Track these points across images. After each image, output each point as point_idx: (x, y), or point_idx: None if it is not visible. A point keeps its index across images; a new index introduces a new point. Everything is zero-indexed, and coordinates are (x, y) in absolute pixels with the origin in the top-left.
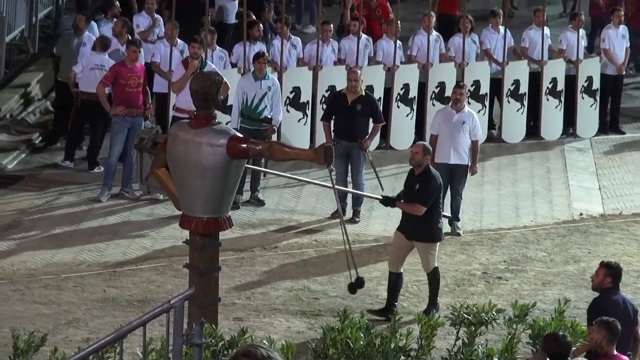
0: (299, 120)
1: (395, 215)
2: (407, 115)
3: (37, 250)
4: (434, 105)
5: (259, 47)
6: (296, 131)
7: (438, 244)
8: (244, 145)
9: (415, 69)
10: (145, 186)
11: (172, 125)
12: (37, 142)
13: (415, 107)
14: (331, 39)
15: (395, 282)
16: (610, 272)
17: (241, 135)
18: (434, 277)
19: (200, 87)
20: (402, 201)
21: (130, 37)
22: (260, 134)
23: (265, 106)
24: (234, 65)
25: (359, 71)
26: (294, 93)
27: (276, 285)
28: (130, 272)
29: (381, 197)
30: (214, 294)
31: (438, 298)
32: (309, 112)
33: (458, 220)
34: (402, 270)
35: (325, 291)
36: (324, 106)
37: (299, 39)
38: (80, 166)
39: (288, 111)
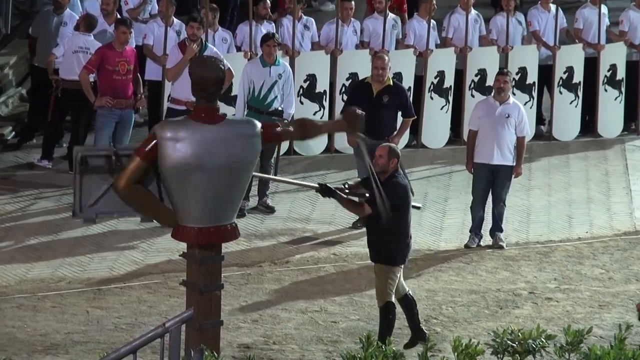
0: (314, 113)
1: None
2: (441, 108)
3: (9, 264)
4: (473, 96)
5: (267, 27)
6: None
7: (398, 268)
8: (278, 130)
9: (451, 54)
10: (89, 215)
11: (160, 127)
12: (9, 138)
13: (451, 98)
14: (352, 19)
15: (402, 308)
16: None
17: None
18: (384, 314)
19: (215, 75)
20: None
21: (119, 16)
22: None
23: (276, 97)
24: (238, 48)
25: (386, 57)
26: (308, 82)
27: (288, 307)
28: (118, 291)
29: (317, 186)
30: (216, 316)
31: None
32: (326, 104)
33: (501, 231)
34: (407, 292)
35: (345, 313)
36: (344, 97)
37: (312, 19)
38: (59, 166)
39: (302, 102)
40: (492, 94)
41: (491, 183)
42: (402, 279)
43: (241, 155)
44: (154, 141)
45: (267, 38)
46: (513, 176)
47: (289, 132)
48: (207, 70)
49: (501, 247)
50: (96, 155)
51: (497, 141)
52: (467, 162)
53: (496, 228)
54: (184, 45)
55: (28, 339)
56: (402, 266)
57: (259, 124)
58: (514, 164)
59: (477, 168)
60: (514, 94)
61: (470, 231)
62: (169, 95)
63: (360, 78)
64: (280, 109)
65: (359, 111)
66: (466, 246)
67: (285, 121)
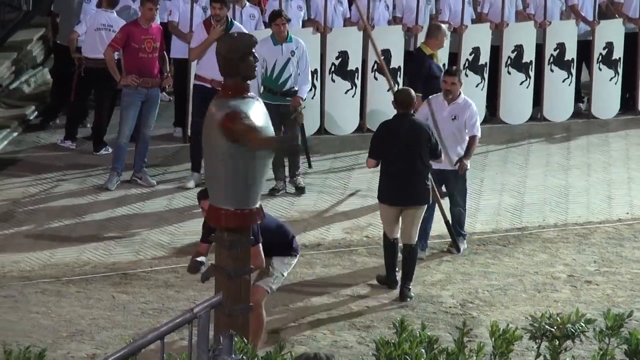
0: (346, 92)
1: None
2: (477, 86)
3: (33, 248)
4: (509, 73)
5: (297, 2)
6: (343, 105)
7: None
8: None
9: (487, 30)
10: None
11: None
12: (32, 118)
13: (487, 75)
14: None
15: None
16: None
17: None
18: (415, 253)
19: (228, 51)
20: None
21: None
22: (285, 111)
23: (290, 75)
24: (267, 25)
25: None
26: (340, 59)
27: (319, 291)
28: (144, 275)
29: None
30: (246, 302)
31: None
32: (358, 82)
33: (462, 235)
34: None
35: (378, 298)
36: (376, 75)
37: None
38: (83, 147)
39: (333, 80)
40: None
41: (444, 185)
42: None
43: (220, 138)
44: None
45: (275, 16)
46: (461, 173)
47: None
48: (221, 46)
49: (456, 251)
50: None
51: (442, 143)
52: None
53: (457, 233)
54: (209, 24)
55: (52, 324)
56: None
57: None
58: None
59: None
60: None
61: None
62: (195, 73)
63: (392, 55)
64: (295, 88)
65: (291, 138)
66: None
67: (301, 100)
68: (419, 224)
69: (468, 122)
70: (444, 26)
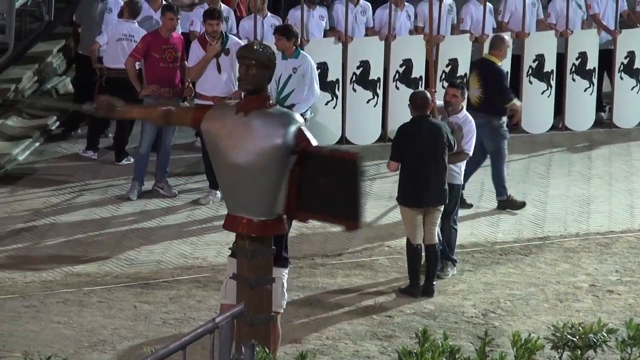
0: (367, 102)
1: None
2: None
3: (55, 259)
4: (530, 82)
5: (319, 12)
6: (364, 114)
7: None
8: (306, 139)
9: (508, 39)
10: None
11: (217, 105)
12: (53, 129)
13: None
14: (406, 3)
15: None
16: None
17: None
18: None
19: (270, 61)
20: None
21: (165, 2)
22: None
23: (292, 91)
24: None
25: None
26: (361, 68)
27: (341, 301)
28: (166, 285)
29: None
30: (267, 311)
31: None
32: (380, 92)
33: (451, 260)
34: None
35: (400, 307)
36: (398, 85)
37: (369, 3)
38: (105, 157)
39: (355, 90)
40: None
41: None
42: None
43: (264, 149)
44: (207, 108)
45: (275, 31)
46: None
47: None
48: (259, 57)
49: (445, 276)
50: None
51: None
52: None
53: (445, 255)
54: (204, 41)
55: (74, 334)
56: None
57: (294, 122)
58: (459, 182)
59: None
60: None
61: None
62: (196, 92)
63: (414, 65)
64: (294, 104)
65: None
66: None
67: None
68: (438, 224)
69: (463, 137)
70: (506, 37)
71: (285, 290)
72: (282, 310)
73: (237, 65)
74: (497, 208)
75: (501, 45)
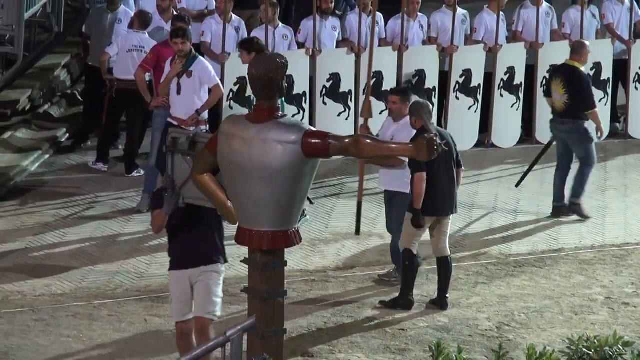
0: (380, 112)
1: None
2: (512, 106)
3: (64, 272)
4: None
5: (332, 22)
6: (378, 126)
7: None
8: (323, 141)
9: (521, 49)
10: (178, 197)
11: (224, 121)
12: (63, 140)
13: (522, 95)
14: (419, 13)
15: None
16: None
17: (316, 129)
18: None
19: (263, 72)
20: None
21: (175, 13)
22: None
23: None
24: (301, 45)
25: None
26: (375, 79)
27: (354, 314)
28: None
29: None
30: (279, 324)
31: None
32: None
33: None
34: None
35: (413, 321)
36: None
37: (381, 15)
38: (115, 169)
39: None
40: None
41: (386, 206)
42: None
43: (271, 159)
44: (215, 134)
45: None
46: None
47: (338, 146)
48: (253, 67)
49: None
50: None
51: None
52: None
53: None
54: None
55: (84, 348)
56: None
57: (302, 132)
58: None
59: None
60: None
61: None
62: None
63: (426, 75)
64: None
65: (432, 137)
66: None
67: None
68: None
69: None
70: (587, 43)
71: (220, 292)
72: (215, 318)
73: (204, 87)
74: (555, 214)
75: (582, 50)
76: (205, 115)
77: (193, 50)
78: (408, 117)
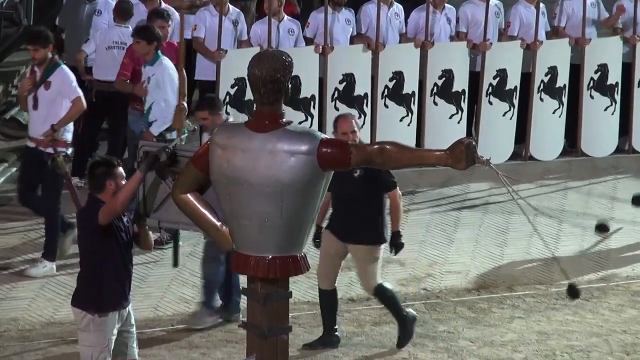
0: (401, 119)
1: None
2: (554, 112)
3: (34, 304)
4: (592, 97)
5: (346, 15)
6: (398, 133)
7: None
8: (343, 151)
9: (565, 46)
10: (152, 223)
11: (216, 131)
12: None
13: (565, 99)
14: (446, 5)
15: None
16: None
17: (333, 137)
18: (383, 295)
19: (268, 73)
20: None
21: (161, 3)
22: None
23: (152, 103)
24: (309, 40)
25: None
26: (394, 80)
27: (369, 353)
28: (164, 335)
29: None
30: None
31: None
32: (414, 108)
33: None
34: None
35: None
36: (436, 99)
37: (401, 6)
38: None
39: (386, 106)
40: None
41: None
42: None
43: (281, 173)
44: (207, 144)
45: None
46: None
47: (361, 156)
48: (255, 67)
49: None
50: (159, 153)
51: None
52: None
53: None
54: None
55: None
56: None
57: (316, 141)
58: None
59: None
60: None
61: None
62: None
63: (455, 76)
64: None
65: (470, 141)
66: None
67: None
68: None
69: None
70: None
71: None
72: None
73: (65, 101)
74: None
75: None
76: (67, 136)
77: (56, 57)
78: None
